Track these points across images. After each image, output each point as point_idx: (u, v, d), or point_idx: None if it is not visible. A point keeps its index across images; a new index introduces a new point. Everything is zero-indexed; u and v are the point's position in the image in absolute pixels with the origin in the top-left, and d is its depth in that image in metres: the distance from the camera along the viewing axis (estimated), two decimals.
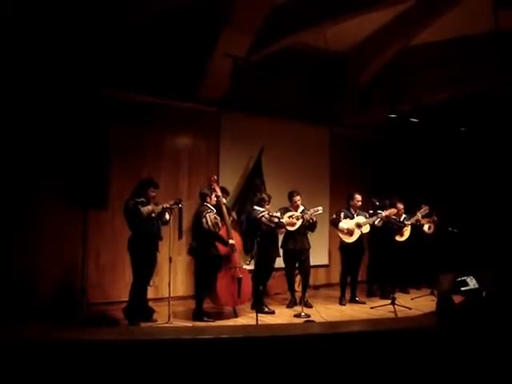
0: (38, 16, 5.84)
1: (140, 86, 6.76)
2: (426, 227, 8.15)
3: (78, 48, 6.23)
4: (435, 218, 8.14)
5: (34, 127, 6.11)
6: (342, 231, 7.15)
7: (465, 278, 3.08)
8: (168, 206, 5.75)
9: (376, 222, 7.22)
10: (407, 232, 7.65)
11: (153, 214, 5.65)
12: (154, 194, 5.80)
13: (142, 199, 5.65)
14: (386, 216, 7.21)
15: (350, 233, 7.11)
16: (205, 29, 6.59)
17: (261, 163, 7.78)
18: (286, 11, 6.38)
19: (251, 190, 7.58)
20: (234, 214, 6.77)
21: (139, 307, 5.72)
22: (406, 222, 7.62)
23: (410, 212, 7.84)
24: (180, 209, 5.86)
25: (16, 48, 5.83)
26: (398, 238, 7.54)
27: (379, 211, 7.26)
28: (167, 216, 5.83)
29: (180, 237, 6.04)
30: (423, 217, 8.01)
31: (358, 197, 7.30)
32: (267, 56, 7.15)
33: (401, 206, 7.80)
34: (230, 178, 7.70)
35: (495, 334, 3.04)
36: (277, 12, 6.14)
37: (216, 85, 7.15)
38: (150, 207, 5.64)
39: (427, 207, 7.76)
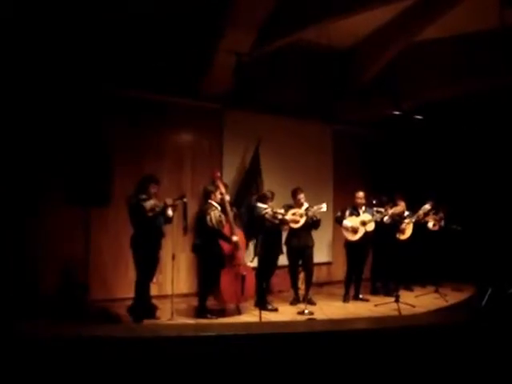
0: (39, 14, 5.84)
1: (142, 83, 6.75)
2: (430, 224, 8.12)
3: (80, 45, 6.23)
4: (442, 215, 8.08)
5: (36, 125, 6.11)
6: (346, 229, 7.12)
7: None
8: (170, 202, 5.73)
9: (385, 219, 7.17)
10: (409, 230, 7.59)
11: (156, 209, 5.62)
12: (154, 190, 5.76)
13: (144, 196, 5.64)
14: (392, 213, 7.18)
15: (354, 231, 7.07)
16: (208, 25, 6.58)
17: (258, 156, 7.71)
18: (288, 8, 6.35)
19: (250, 182, 7.55)
20: (234, 208, 6.73)
21: (144, 305, 5.73)
22: (406, 221, 7.54)
23: (414, 210, 7.79)
24: (184, 203, 5.84)
25: (16, 46, 5.82)
26: (400, 237, 7.48)
27: (379, 209, 7.25)
28: (170, 212, 5.77)
29: (185, 232, 6.01)
30: (428, 214, 7.96)
31: (359, 194, 7.27)
32: (270, 53, 7.14)
33: (402, 203, 7.72)
34: (233, 175, 7.70)
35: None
36: (280, 9, 6.12)
37: (219, 82, 7.14)
38: (152, 201, 5.61)
39: (429, 205, 7.66)
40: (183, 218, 5.90)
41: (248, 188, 7.52)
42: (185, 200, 5.80)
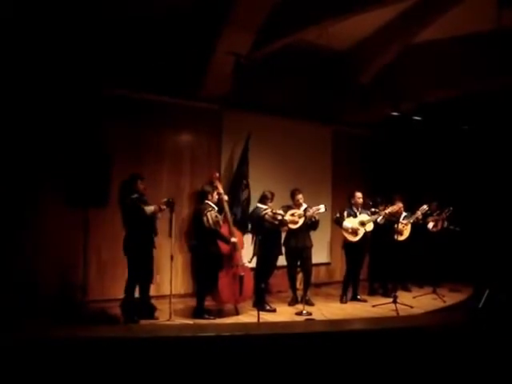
0: (39, 14, 5.83)
1: (141, 84, 6.75)
2: (430, 225, 8.12)
3: (79, 47, 6.22)
4: (444, 216, 8.07)
5: (35, 125, 6.10)
6: (346, 230, 7.10)
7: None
8: (164, 206, 5.77)
9: (378, 220, 7.18)
10: (407, 231, 7.57)
11: (155, 215, 5.69)
12: (143, 185, 5.80)
13: (136, 195, 5.65)
14: (389, 213, 7.18)
15: (354, 232, 7.05)
16: (206, 26, 6.57)
17: (248, 150, 7.63)
18: (287, 9, 6.35)
19: (240, 178, 7.53)
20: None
21: (135, 304, 5.72)
22: (404, 221, 7.53)
23: (413, 211, 7.78)
24: (171, 210, 5.81)
25: (16, 47, 5.82)
26: (397, 238, 7.45)
27: (375, 209, 7.25)
28: (159, 215, 5.88)
29: (170, 235, 6.01)
30: (429, 215, 7.97)
31: (359, 194, 7.28)
32: (269, 54, 7.14)
33: (400, 204, 7.70)
34: (231, 176, 7.69)
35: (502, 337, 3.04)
36: (278, 10, 6.13)
37: (218, 83, 7.13)
38: (152, 208, 5.66)
39: (426, 206, 7.66)
40: (169, 224, 5.87)
41: (238, 184, 7.49)
42: (170, 208, 5.81)
